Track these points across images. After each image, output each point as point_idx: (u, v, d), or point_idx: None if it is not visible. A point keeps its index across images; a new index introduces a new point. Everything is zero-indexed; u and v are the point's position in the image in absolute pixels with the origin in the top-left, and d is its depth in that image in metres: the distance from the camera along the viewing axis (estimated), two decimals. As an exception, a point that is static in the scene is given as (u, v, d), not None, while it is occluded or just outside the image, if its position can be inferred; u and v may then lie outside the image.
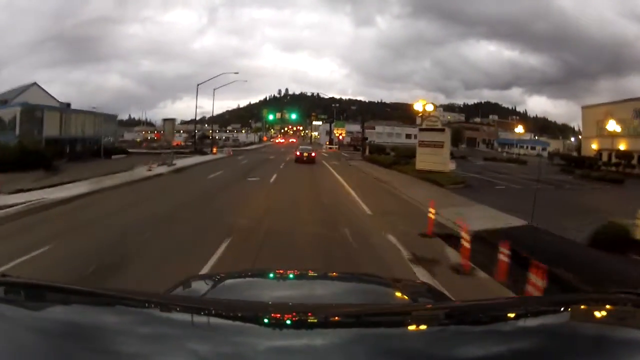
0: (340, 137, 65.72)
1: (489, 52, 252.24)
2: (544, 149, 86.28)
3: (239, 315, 1.34)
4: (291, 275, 2.79)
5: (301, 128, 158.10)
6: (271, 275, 2.77)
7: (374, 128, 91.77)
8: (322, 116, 68.10)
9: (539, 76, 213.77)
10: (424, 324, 1.39)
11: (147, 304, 1.40)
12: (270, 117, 72.24)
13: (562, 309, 1.52)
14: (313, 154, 35.33)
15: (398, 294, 2.35)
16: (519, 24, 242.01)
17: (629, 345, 1.10)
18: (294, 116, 66.10)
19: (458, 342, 1.15)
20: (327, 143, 75.53)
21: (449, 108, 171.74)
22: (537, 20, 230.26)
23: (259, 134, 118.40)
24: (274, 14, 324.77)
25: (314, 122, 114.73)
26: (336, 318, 1.39)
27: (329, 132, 70.98)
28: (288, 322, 1.30)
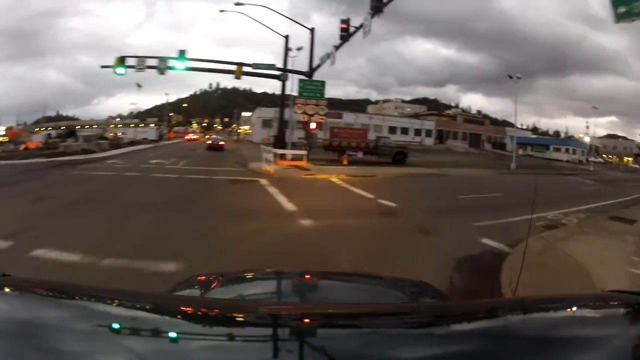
0: (314, 126, 31.79)
1: (425, 49, 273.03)
2: (583, 152, 69.36)
3: (239, 315, 1.42)
4: (291, 275, 2.88)
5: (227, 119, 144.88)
6: (271, 275, 2.93)
7: (340, 117, 63.64)
8: (266, 64, 33.20)
9: (476, 74, 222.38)
10: (423, 323, 1.46)
11: (147, 304, 1.47)
12: (120, 70, 31.71)
13: (560, 308, 1.59)
14: (221, 143, 43.18)
15: (397, 294, 2.44)
16: (457, 22, 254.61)
17: (625, 345, 1.16)
18: (180, 65, 32.24)
19: (457, 342, 1.20)
20: (266, 140, 43.96)
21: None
22: (477, 19, 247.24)
23: (175, 129, 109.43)
24: (212, 9, 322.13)
25: (244, 114, 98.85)
26: (336, 318, 1.44)
27: (279, 118, 35.27)
28: (288, 321, 1.37)
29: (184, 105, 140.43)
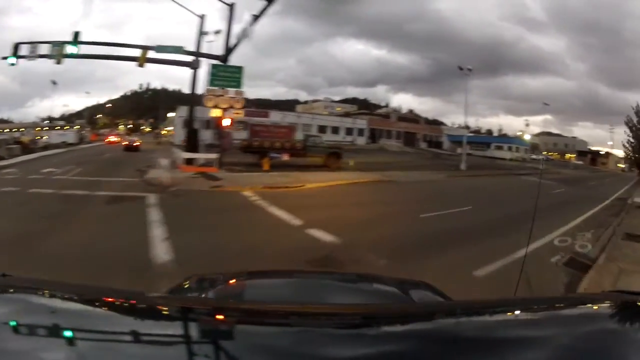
0: (228, 123, 25.88)
1: (356, 50, 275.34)
2: (526, 150, 69.04)
3: (239, 315, 1.43)
4: (291, 275, 2.94)
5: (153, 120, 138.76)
6: (271, 275, 2.97)
7: (267, 115, 58.69)
8: (172, 47, 26.96)
9: (407, 74, 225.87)
10: (424, 323, 1.45)
11: (147, 304, 1.52)
12: (12, 60, 25.57)
13: (559, 308, 1.64)
14: (136, 144, 47.16)
15: (398, 294, 2.40)
16: (391, 23, 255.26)
17: (626, 343, 1.20)
18: (72, 49, 25.92)
19: (457, 341, 1.21)
20: (184, 142, 37.17)
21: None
22: (410, 20, 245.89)
23: (101, 131, 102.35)
24: (145, 7, 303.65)
25: (169, 114, 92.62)
26: (335, 318, 1.45)
27: (189, 115, 29.06)
28: (288, 322, 1.38)
29: (107, 105, 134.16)
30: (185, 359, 1.06)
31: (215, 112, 25.04)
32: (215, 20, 29.21)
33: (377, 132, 74.00)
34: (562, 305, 1.69)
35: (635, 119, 21.68)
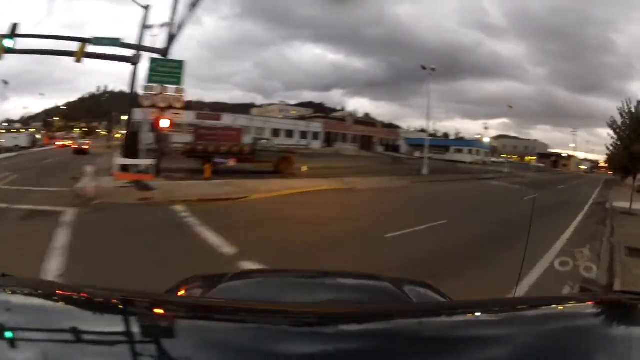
0: (167, 125, 22.91)
1: (313, 55, 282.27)
2: (486, 153, 68.95)
3: (239, 315, 1.41)
4: (291, 275, 2.98)
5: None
6: (271, 275, 3.12)
7: (219, 118, 57.19)
8: (109, 39, 23.65)
9: (363, 78, 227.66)
10: (423, 323, 1.43)
11: (147, 304, 1.48)
12: None
13: (562, 308, 1.60)
14: (85, 147, 47.26)
15: (397, 294, 2.34)
16: (349, 28, 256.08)
17: (629, 345, 1.17)
18: (8, 43, 22.69)
19: (457, 341, 1.20)
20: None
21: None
22: (369, 25, 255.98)
23: (57, 134, 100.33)
24: (106, 7, 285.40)
25: (123, 117, 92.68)
26: (335, 318, 1.43)
27: (128, 116, 28.09)
28: (288, 322, 1.36)
29: (63, 108, 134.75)
30: (184, 357, 1.05)
31: (154, 113, 22.29)
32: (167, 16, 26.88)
33: (333, 135, 72.67)
34: (562, 305, 1.66)
35: (620, 121, 20.37)
